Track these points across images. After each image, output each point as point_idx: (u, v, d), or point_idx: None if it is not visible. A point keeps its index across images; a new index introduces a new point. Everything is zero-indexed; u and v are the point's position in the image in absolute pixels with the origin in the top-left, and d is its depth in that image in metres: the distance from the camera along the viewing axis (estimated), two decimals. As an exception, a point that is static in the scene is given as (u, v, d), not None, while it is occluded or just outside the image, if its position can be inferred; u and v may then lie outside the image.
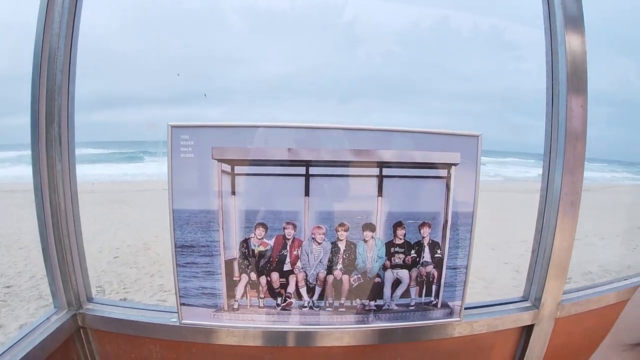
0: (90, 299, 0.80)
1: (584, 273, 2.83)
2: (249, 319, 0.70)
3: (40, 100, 0.70)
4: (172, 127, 0.63)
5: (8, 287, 2.45)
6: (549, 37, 0.80)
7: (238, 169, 0.64)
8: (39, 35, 0.68)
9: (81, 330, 0.78)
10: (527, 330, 0.82)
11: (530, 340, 0.81)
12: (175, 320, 0.72)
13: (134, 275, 2.76)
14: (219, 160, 0.63)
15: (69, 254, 0.75)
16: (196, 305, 0.70)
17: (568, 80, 0.77)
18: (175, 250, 0.67)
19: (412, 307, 0.71)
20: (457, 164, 0.66)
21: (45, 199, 0.72)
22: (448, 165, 0.66)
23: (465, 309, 0.74)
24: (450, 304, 0.72)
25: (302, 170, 0.64)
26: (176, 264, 0.68)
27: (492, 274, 2.74)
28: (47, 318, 0.76)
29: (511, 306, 0.80)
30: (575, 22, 0.77)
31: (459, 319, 0.73)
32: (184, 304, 0.70)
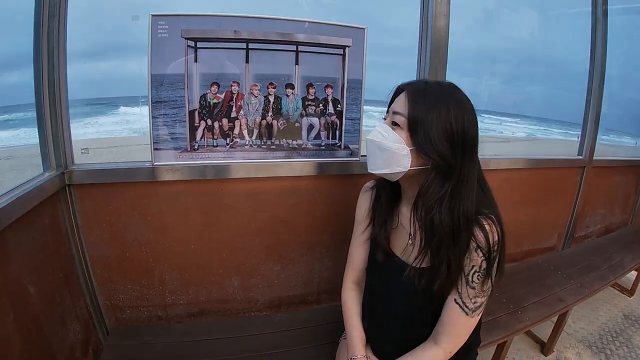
0: (74, 162, 1.14)
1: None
2: (206, 157, 1.11)
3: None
4: (152, 16, 1.05)
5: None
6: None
7: (199, 44, 1.07)
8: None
9: (67, 188, 1.07)
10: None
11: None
12: (148, 164, 1.10)
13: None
14: (186, 38, 1.06)
15: (61, 120, 1.10)
16: (165, 149, 1.09)
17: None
18: (152, 105, 1.07)
19: (323, 147, 1.17)
20: (350, 46, 1.15)
21: (43, 71, 1.05)
22: (344, 47, 1.15)
23: (363, 156, 1.21)
24: (350, 146, 1.19)
25: (243, 45, 1.09)
26: (151, 116, 1.07)
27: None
28: (41, 174, 1.06)
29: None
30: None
31: (357, 159, 1.19)
32: (156, 149, 1.09)
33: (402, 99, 0.73)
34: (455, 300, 0.73)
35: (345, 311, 0.95)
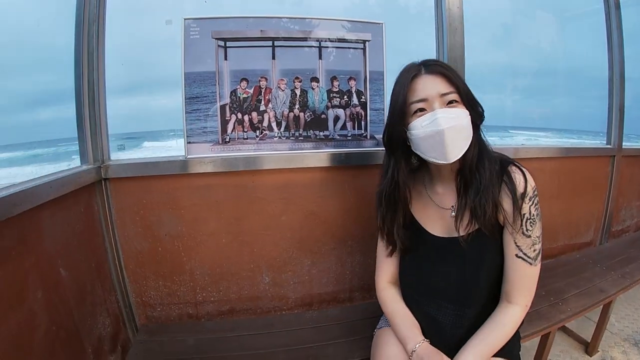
0: (110, 158, 1.18)
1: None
2: (237, 149, 1.16)
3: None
4: (185, 19, 1.14)
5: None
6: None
7: (229, 44, 1.15)
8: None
9: (103, 182, 1.13)
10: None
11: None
12: (182, 157, 1.16)
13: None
14: (217, 39, 1.15)
15: (99, 118, 1.16)
16: (198, 142, 1.15)
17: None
18: (185, 101, 1.14)
19: (349, 138, 1.21)
20: (370, 40, 1.21)
21: (84, 71, 1.11)
22: (364, 41, 1.21)
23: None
24: (376, 136, 1.22)
25: (269, 43, 1.16)
26: (185, 111, 1.14)
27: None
28: (78, 166, 1.10)
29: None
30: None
31: (384, 149, 1.22)
32: (190, 142, 1.15)
33: (435, 81, 0.75)
34: (516, 255, 0.77)
35: (390, 308, 0.91)
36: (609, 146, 1.78)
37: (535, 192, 0.76)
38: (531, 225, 0.76)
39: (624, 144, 1.83)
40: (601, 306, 1.42)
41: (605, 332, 1.56)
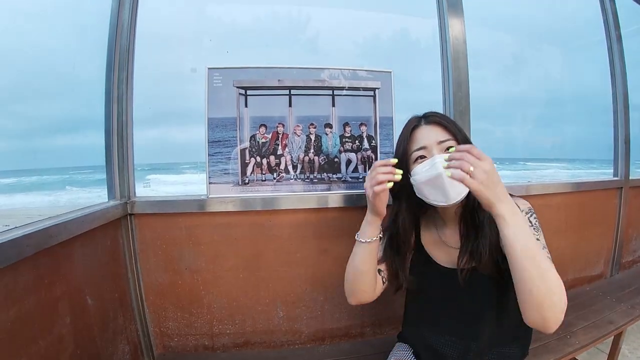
0: (136, 195, 1.29)
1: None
2: (255, 190, 1.26)
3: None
4: (209, 68, 1.27)
5: None
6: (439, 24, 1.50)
7: (249, 92, 1.27)
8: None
9: (129, 217, 1.24)
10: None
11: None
12: (204, 196, 1.26)
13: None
14: (238, 87, 1.27)
15: (126, 157, 1.26)
16: (219, 183, 1.26)
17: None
18: (208, 144, 1.25)
19: (361, 180, 1.30)
20: (379, 88, 1.32)
21: (113, 112, 1.24)
22: (374, 89, 1.32)
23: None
24: (386, 177, 1.31)
25: (286, 92, 1.28)
26: (207, 154, 1.26)
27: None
28: (106, 202, 1.21)
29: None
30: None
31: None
32: (211, 183, 1.26)
33: (433, 130, 0.86)
34: None
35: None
36: (616, 178, 1.85)
37: (532, 210, 0.84)
38: (535, 231, 0.82)
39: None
40: (612, 337, 1.46)
41: (618, 364, 1.59)
